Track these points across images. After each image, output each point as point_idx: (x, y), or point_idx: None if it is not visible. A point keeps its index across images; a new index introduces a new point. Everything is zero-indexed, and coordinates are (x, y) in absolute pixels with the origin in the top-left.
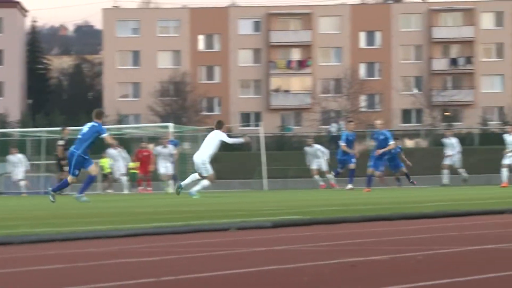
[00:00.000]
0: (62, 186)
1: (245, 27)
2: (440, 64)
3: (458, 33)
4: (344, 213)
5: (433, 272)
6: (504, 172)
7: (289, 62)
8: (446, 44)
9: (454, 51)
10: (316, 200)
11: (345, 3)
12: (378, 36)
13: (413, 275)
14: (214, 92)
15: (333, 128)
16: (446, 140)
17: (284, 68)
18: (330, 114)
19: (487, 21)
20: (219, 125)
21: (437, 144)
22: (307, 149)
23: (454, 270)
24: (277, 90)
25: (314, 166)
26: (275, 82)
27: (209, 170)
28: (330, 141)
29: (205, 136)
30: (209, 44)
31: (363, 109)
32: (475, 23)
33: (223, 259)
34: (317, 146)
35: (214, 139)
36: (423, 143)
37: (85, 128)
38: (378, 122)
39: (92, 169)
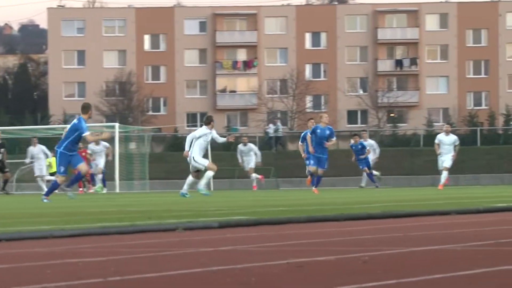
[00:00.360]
0: (52, 189)
1: (191, 27)
2: (385, 65)
3: (403, 35)
4: (290, 213)
5: (379, 273)
6: (445, 173)
7: (235, 62)
8: (391, 45)
9: (399, 53)
10: (263, 200)
11: (291, 4)
12: (323, 37)
13: (359, 275)
14: (160, 92)
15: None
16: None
17: (230, 69)
18: (276, 115)
19: (431, 22)
20: (207, 121)
21: (383, 145)
22: (240, 147)
23: (400, 271)
24: (223, 91)
25: (251, 165)
26: (221, 82)
27: (203, 163)
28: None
29: (150, 136)
30: (155, 44)
31: (309, 110)
32: (419, 25)
33: (170, 260)
34: (251, 145)
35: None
36: None
37: (70, 125)
38: (325, 115)
39: (81, 167)
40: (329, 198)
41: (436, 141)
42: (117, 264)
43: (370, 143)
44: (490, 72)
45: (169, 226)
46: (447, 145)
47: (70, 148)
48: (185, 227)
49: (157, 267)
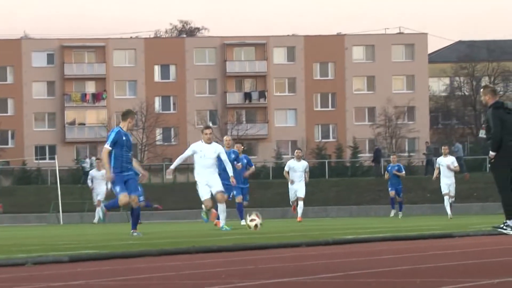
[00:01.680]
0: (136, 217)
1: (38, 59)
2: (234, 98)
3: (251, 68)
4: (142, 246)
5: None
6: (300, 204)
7: (84, 95)
8: (239, 78)
9: (247, 85)
10: (114, 234)
11: (139, 36)
12: (172, 69)
13: None
14: (7, 125)
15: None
16: None
17: (79, 101)
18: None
19: (279, 55)
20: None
21: None
22: None
23: None
24: (72, 123)
25: None
26: (70, 115)
27: (200, 194)
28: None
29: None
30: (2, 76)
31: (159, 143)
32: (267, 58)
33: None
34: None
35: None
36: None
37: None
38: (225, 138)
39: (121, 197)
40: (182, 231)
41: (286, 168)
42: None
43: None
44: (337, 105)
45: (18, 260)
46: (299, 172)
47: (120, 167)
48: (35, 262)
49: None
